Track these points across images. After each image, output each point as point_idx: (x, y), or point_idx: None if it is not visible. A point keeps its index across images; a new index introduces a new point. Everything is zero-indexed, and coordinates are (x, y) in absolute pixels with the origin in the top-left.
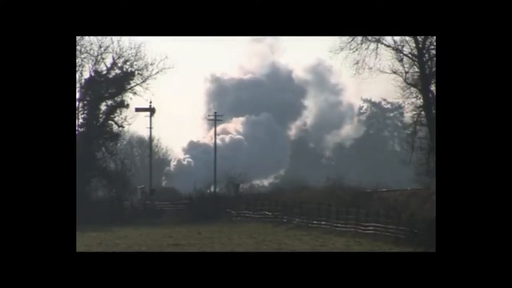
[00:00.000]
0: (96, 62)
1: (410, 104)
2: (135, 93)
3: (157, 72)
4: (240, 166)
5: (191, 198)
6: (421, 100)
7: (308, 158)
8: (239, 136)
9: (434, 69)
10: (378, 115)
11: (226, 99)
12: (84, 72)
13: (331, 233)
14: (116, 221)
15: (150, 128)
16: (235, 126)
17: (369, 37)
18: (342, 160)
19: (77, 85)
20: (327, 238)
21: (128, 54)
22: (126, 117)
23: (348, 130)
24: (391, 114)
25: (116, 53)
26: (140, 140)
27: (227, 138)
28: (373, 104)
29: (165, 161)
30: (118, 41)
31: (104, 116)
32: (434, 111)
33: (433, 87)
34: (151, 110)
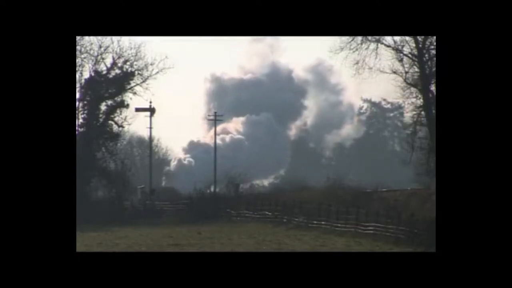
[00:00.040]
0: (96, 62)
1: (410, 104)
2: (135, 93)
3: (157, 72)
4: (240, 166)
5: (191, 198)
6: (421, 100)
7: (308, 158)
8: (240, 136)
9: (434, 69)
10: (378, 115)
11: (226, 99)
12: (84, 72)
13: (331, 233)
14: (116, 221)
15: (150, 128)
16: (235, 126)
17: (369, 37)
18: (342, 160)
19: (77, 85)
20: (327, 238)
21: (128, 54)
22: (126, 117)
23: (348, 130)
24: (391, 114)
25: (116, 53)
26: (140, 140)
27: (227, 138)
28: (373, 104)
29: (165, 161)
30: (118, 41)
31: (104, 116)
32: (434, 111)
33: (433, 87)
34: (151, 110)
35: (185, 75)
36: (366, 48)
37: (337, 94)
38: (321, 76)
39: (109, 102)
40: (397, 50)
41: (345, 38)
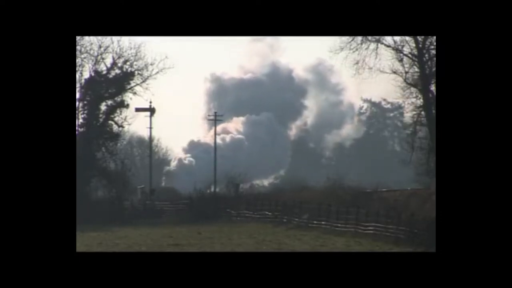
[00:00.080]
0: (96, 62)
1: (410, 104)
2: (135, 93)
3: (157, 72)
4: (241, 166)
5: (191, 198)
6: (421, 100)
7: (308, 158)
8: (240, 136)
9: (434, 69)
10: (378, 115)
11: (226, 98)
12: (84, 72)
13: (331, 233)
14: (116, 221)
15: (150, 128)
16: (235, 126)
17: (369, 37)
18: (342, 160)
19: (77, 85)
20: (327, 238)
21: (128, 54)
22: (126, 117)
23: (348, 130)
24: (391, 114)
25: (116, 53)
26: (140, 140)
27: (227, 138)
28: (373, 104)
29: (165, 161)
30: (118, 41)
31: (104, 116)
32: (434, 111)
33: (433, 87)
34: (151, 110)
35: (185, 75)
36: (366, 48)
37: (337, 94)
38: (321, 76)
39: (109, 102)
40: (397, 50)
41: (345, 38)
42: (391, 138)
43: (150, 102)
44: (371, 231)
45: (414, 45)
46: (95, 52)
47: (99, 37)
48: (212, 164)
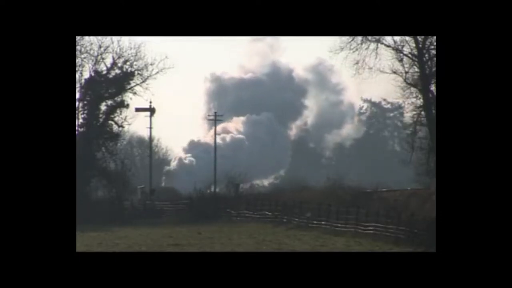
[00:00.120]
0: (96, 62)
1: (410, 104)
2: (135, 93)
3: (157, 72)
4: (241, 166)
5: (191, 198)
6: (421, 100)
7: (308, 158)
8: (240, 136)
9: (434, 69)
10: (378, 115)
11: (226, 98)
12: (84, 72)
13: (331, 233)
14: (116, 221)
15: (150, 128)
16: (235, 126)
17: (369, 37)
18: (342, 160)
19: (77, 85)
20: (327, 238)
21: (128, 54)
22: (126, 117)
23: (348, 130)
24: (391, 114)
25: (116, 53)
26: (140, 140)
27: (227, 138)
28: (373, 104)
29: (165, 161)
30: (118, 41)
31: (104, 116)
32: (434, 111)
33: (433, 87)
34: (151, 110)
35: (185, 75)
36: (366, 48)
37: (337, 94)
38: (321, 76)
39: (109, 102)
40: (397, 50)
41: (345, 38)
42: (391, 138)
43: (150, 102)
44: (371, 231)
45: (414, 45)
46: (95, 52)
47: (99, 37)
48: (212, 164)
